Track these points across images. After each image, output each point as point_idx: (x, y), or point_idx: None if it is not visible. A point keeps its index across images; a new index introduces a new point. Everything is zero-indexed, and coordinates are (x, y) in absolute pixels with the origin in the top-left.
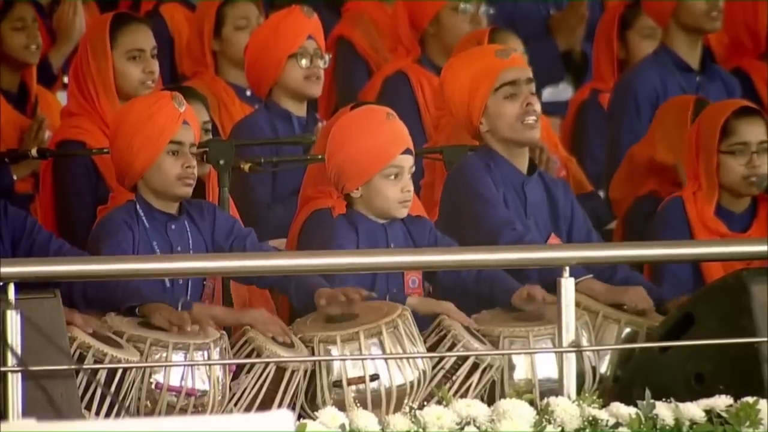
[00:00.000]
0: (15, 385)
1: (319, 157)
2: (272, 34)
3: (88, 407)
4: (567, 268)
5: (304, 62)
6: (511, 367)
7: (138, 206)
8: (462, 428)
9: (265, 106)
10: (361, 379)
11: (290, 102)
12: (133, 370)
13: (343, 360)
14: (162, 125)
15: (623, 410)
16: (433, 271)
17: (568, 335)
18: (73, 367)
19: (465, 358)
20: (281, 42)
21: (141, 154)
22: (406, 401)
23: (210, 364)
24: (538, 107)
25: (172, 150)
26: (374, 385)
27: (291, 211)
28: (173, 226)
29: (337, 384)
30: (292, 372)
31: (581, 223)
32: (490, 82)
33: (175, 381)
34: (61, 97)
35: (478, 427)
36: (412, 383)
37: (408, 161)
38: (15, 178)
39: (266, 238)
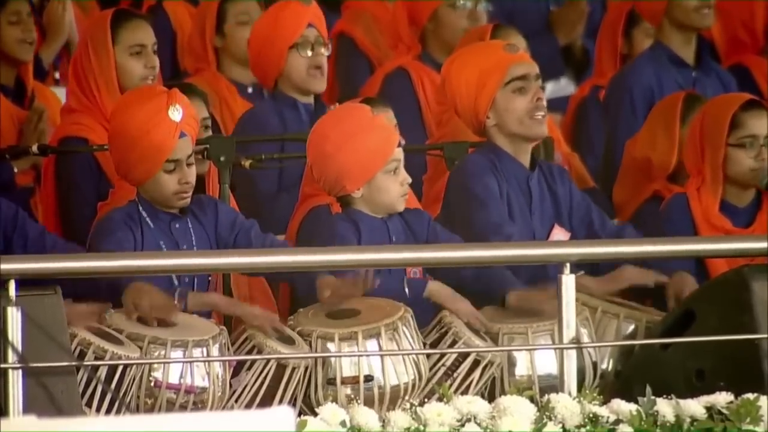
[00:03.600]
0: (15, 382)
1: None
2: (272, 26)
3: (89, 404)
4: (567, 265)
5: (307, 52)
6: (512, 364)
7: (140, 207)
8: (463, 425)
9: (271, 96)
10: (355, 379)
11: (296, 94)
12: (133, 367)
13: (341, 357)
14: (159, 143)
15: (624, 407)
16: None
17: (569, 332)
18: (73, 363)
19: (466, 355)
20: (281, 33)
21: (138, 168)
22: (399, 402)
23: (210, 361)
24: (545, 103)
25: (169, 168)
26: (367, 386)
27: (296, 200)
28: (177, 225)
29: (331, 381)
30: (293, 369)
31: (579, 201)
32: (499, 76)
33: (174, 379)
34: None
35: (479, 424)
36: (406, 385)
37: (401, 152)
38: (15, 170)
39: (272, 230)
